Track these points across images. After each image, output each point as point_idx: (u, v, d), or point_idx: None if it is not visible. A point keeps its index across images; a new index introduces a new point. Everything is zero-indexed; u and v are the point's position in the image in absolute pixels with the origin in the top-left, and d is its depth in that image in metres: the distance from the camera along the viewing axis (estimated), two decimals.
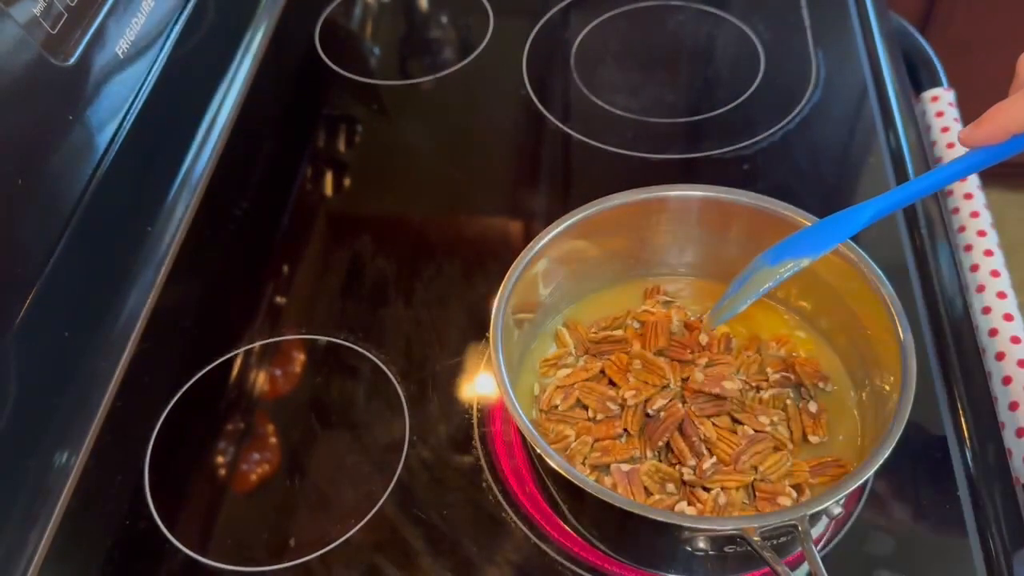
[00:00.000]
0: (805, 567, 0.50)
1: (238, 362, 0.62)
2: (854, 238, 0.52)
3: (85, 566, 0.54)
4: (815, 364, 0.55)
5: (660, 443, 0.51)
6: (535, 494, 0.54)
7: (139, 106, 0.66)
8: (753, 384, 0.54)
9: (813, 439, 0.52)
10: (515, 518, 0.54)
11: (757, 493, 0.49)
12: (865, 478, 0.44)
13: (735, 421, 0.52)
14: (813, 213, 0.54)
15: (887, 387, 0.49)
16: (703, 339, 0.56)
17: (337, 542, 0.53)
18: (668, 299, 0.59)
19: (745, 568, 0.50)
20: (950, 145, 0.74)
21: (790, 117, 0.74)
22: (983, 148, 0.43)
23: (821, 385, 0.54)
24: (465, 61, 0.83)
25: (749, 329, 0.57)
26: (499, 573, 0.51)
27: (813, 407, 0.53)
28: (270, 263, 0.68)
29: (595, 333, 0.57)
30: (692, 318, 0.58)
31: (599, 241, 0.57)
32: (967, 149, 0.44)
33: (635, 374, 0.53)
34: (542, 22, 0.86)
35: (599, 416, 0.52)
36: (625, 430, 0.52)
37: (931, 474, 0.54)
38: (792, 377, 0.54)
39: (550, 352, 0.57)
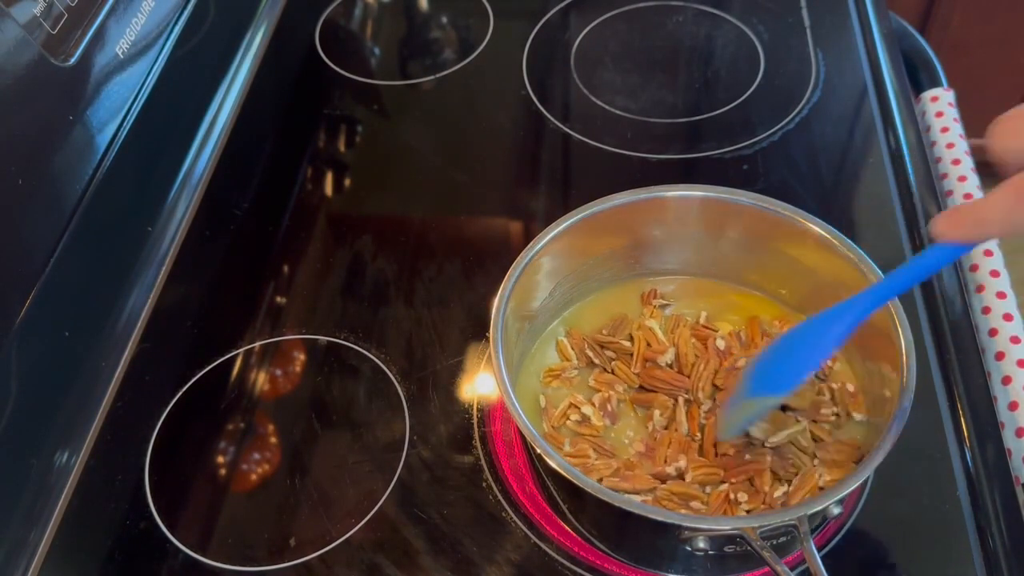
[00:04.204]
0: (805, 567, 0.50)
1: (238, 362, 0.62)
2: (853, 238, 0.52)
3: (85, 566, 0.54)
4: None
5: (741, 479, 0.50)
6: (535, 494, 0.54)
7: (139, 106, 0.66)
8: None
9: (857, 416, 0.52)
10: (515, 518, 0.54)
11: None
12: (865, 478, 0.44)
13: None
14: (813, 213, 0.54)
15: (887, 387, 0.49)
16: (720, 344, 0.56)
17: (337, 542, 0.53)
18: (664, 303, 0.59)
19: (745, 568, 0.50)
20: (950, 145, 0.74)
21: (790, 117, 0.74)
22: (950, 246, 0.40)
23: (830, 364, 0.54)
24: (465, 61, 0.83)
25: (747, 322, 0.58)
26: (499, 572, 0.52)
27: (850, 387, 0.53)
28: (270, 263, 0.68)
29: (595, 343, 0.57)
30: (700, 321, 0.58)
31: (599, 241, 0.57)
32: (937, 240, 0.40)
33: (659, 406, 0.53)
34: (542, 22, 0.86)
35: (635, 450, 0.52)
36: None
37: (931, 474, 0.54)
38: None
39: (550, 355, 0.57)
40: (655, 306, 0.59)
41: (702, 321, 0.58)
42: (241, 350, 0.63)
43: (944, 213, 0.40)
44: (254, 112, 0.79)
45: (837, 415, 0.52)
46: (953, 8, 1.35)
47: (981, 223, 0.38)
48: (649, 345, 0.56)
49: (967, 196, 0.69)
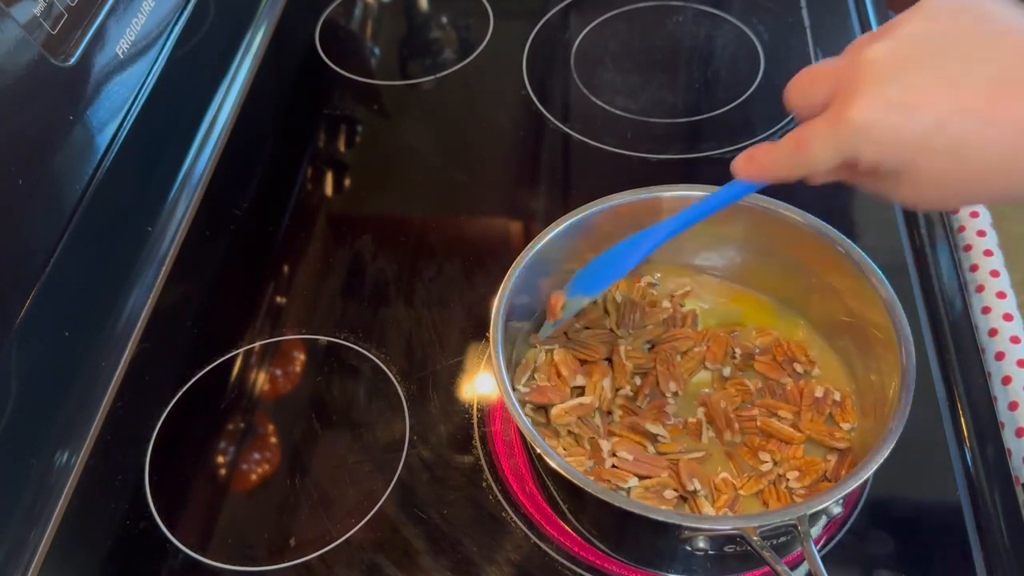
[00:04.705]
0: (805, 567, 0.50)
1: (238, 362, 0.62)
2: (853, 238, 0.52)
3: (85, 565, 0.54)
4: (800, 346, 0.55)
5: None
6: (535, 494, 0.54)
7: (139, 106, 0.66)
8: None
9: (845, 426, 0.52)
10: (515, 518, 0.54)
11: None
12: (865, 478, 0.44)
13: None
14: (813, 213, 0.54)
15: (887, 387, 0.49)
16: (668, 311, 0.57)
17: (337, 542, 0.53)
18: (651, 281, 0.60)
19: (745, 568, 0.50)
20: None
21: (790, 117, 0.74)
22: (745, 182, 0.45)
23: (807, 370, 0.54)
24: (465, 61, 0.83)
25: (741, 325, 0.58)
26: (499, 572, 0.52)
27: (837, 395, 0.53)
28: (270, 263, 0.68)
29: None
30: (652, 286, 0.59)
31: (599, 241, 0.57)
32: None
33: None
34: (542, 22, 0.86)
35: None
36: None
37: (931, 474, 0.54)
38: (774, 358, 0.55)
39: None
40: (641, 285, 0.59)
41: (679, 294, 0.59)
42: (241, 350, 0.63)
43: (741, 154, 0.44)
44: (254, 112, 0.79)
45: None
46: None
47: (767, 166, 0.43)
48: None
49: None
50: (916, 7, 0.39)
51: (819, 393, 0.53)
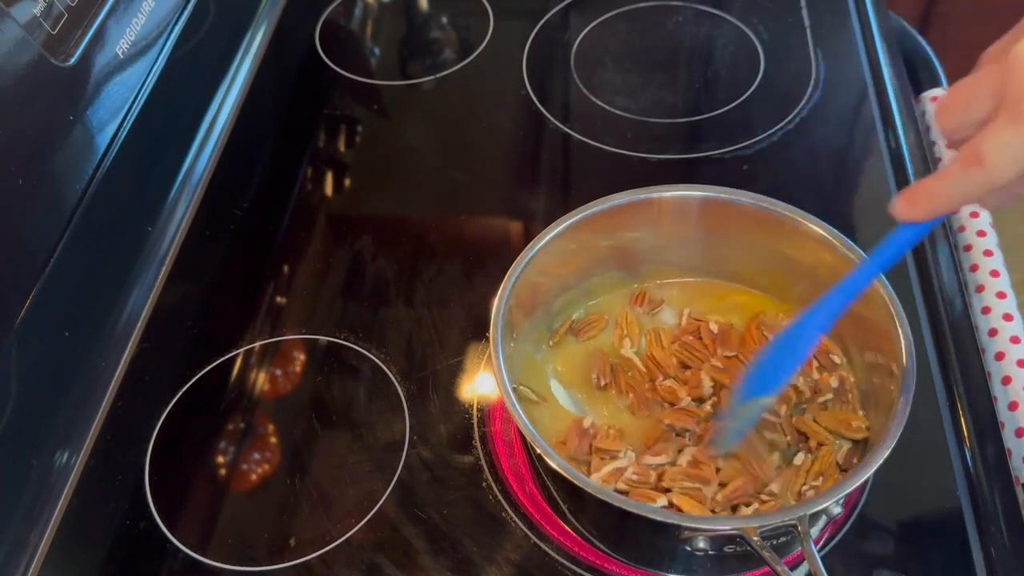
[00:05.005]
0: (805, 567, 0.50)
1: (238, 362, 0.62)
2: (853, 238, 0.52)
3: (85, 566, 0.54)
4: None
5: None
6: (535, 494, 0.54)
7: (139, 106, 0.66)
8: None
9: (861, 412, 0.52)
10: (515, 518, 0.54)
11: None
12: (865, 478, 0.44)
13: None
14: (813, 213, 0.54)
15: (887, 387, 0.49)
16: (714, 328, 0.56)
17: (337, 542, 0.53)
18: (654, 309, 0.59)
19: (745, 568, 0.50)
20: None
21: (790, 117, 0.74)
22: (914, 224, 0.42)
23: (835, 359, 0.54)
24: (465, 61, 0.83)
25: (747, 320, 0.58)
26: (499, 572, 0.52)
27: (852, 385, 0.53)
28: (270, 263, 0.68)
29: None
30: (683, 321, 0.58)
31: (599, 241, 0.57)
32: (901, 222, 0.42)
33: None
34: (542, 22, 0.86)
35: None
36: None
37: (931, 474, 0.54)
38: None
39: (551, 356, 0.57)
40: (643, 313, 0.59)
41: (685, 319, 0.58)
42: (241, 350, 0.63)
43: (901, 193, 0.41)
44: (254, 112, 0.79)
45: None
46: (954, 8, 1.35)
47: (938, 199, 0.40)
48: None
49: None
50: None
51: (835, 383, 0.53)
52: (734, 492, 0.49)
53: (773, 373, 0.48)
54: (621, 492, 0.50)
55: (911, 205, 0.41)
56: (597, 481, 0.46)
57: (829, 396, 0.53)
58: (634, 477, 0.50)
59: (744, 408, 0.49)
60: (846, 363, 0.54)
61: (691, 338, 0.56)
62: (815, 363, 0.54)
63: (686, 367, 0.55)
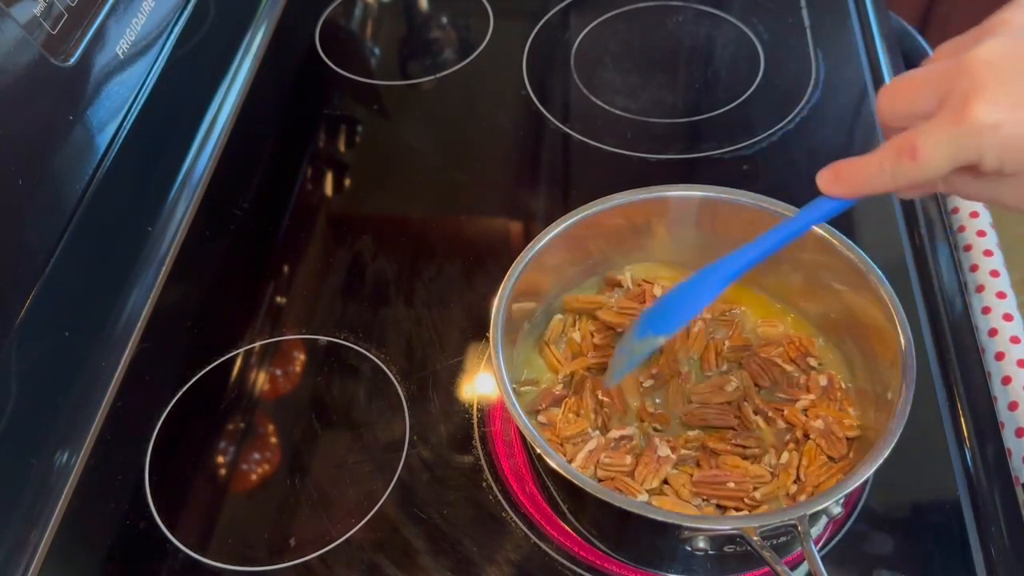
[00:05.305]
0: (805, 567, 0.50)
1: (238, 362, 0.62)
2: (853, 238, 0.52)
3: (85, 565, 0.54)
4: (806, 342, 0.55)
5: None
6: (535, 494, 0.54)
7: (139, 106, 0.66)
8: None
9: (852, 412, 0.52)
10: (515, 518, 0.54)
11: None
12: (865, 478, 0.44)
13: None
14: None
15: (887, 387, 0.49)
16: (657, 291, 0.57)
17: (337, 542, 0.53)
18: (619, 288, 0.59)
19: (745, 568, 0.50)
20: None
21: (790, 117, 0.74)
22: (834, 199, 0.42)
23: (811, 363, 0.54)
24: (465, 61, 0.83)
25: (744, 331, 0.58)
26: (499, 572, 0.52)
27: (841, 383, 0.53)
28: (270, 263, 0.68)
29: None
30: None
31: (599, 241, 0.57)
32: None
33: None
34: (542, 22, 0.86)
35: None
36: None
37: (931, 474, 0.54)
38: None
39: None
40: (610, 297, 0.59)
41: (630, 283, 0.59)
42: (241, 350, 0.63)
43: (827, 168, 0.41)
44: (254, 112, 0.79)
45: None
46: (953, 8, 1.35)
47: (862, 181, 0.40)
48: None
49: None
50: (1016, 2, 0.37)
51: (823, 382, 0.53)
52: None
53: (673, 314, 0.48)
54: (600, 479, 0.50)
55: (835, 182, 0.41)
56: (575, 470, 0.46)
57: (816, 395, 0.53)
58: (607, 460, 0.50)
59: (639, 344, 0.49)
60: (821, 365, 0.55)
61: (637, 304, 0.57)
62: (794, 365, 0.55)
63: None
